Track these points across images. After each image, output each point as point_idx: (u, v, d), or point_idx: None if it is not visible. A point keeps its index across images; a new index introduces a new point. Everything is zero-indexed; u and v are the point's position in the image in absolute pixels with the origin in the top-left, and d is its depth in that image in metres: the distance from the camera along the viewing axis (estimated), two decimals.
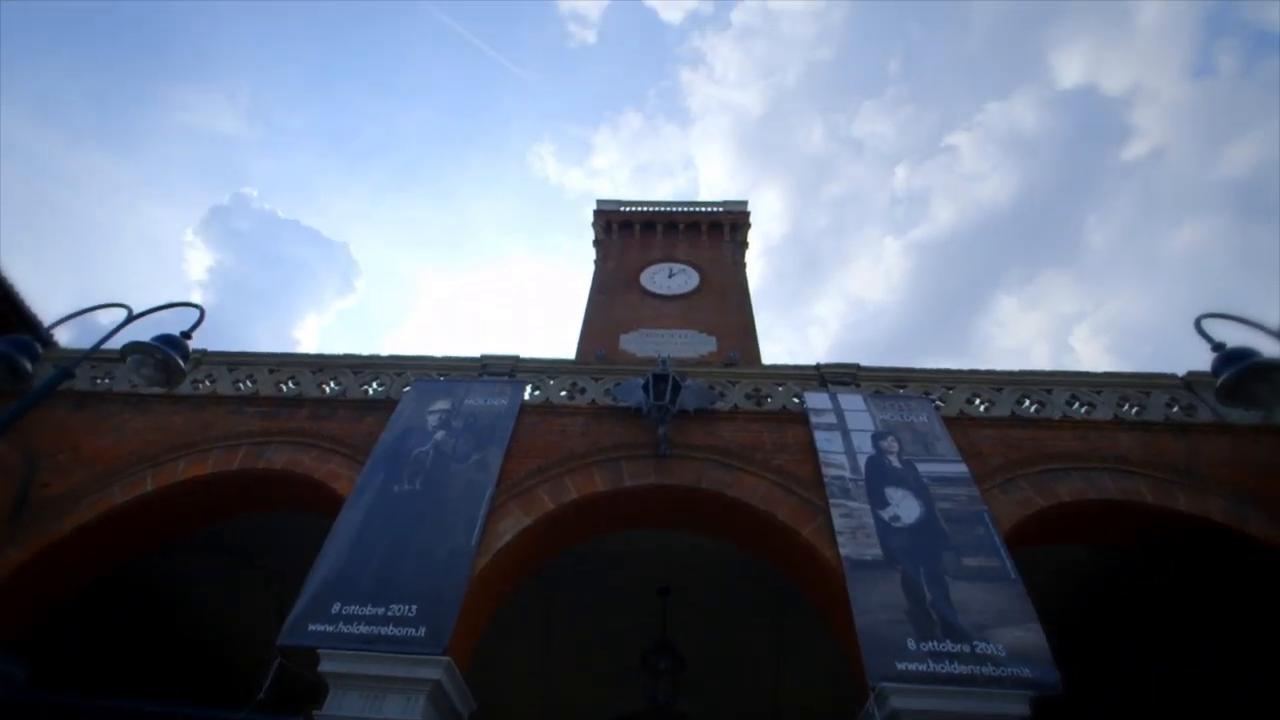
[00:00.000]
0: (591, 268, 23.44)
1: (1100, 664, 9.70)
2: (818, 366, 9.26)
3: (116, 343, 6.75)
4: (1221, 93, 64.95)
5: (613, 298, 20.86)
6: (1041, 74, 65.75)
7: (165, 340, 6.65)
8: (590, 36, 71.36)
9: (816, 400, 8.36)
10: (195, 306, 7.36)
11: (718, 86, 72.11)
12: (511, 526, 6.82)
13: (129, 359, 6.63)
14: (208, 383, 9.41)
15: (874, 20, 67.31)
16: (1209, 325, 7.04)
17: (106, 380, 9.44)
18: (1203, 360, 7.01)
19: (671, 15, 70.73)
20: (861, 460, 7.43)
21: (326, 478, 7.51)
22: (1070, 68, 67.98)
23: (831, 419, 8.05)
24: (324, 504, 7.56)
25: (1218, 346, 7.08)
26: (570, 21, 72.07)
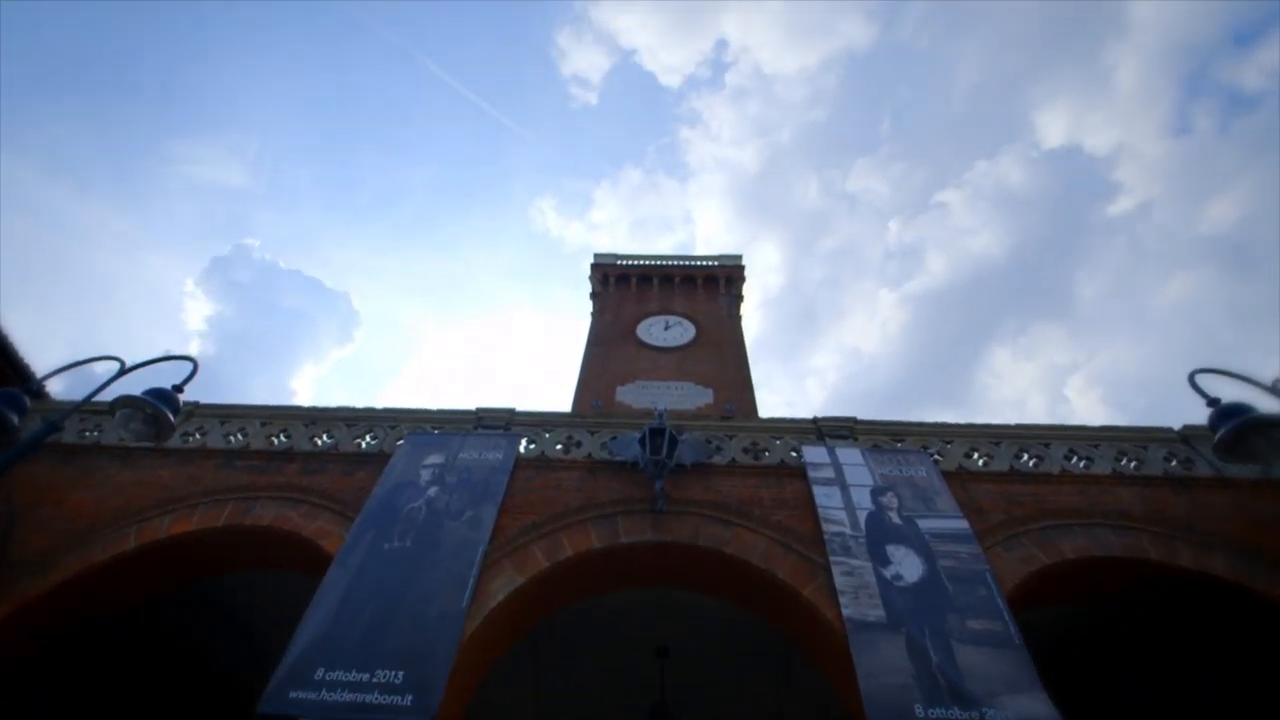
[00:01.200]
0: (589, 320, 23.62)
1: (1100, 696, 9.40)
2: (815, 420, 9.22)
3: (108, 395, 6.69)
4: (1200, 151, 67.50)
5: (609, 350, 20.95)
6: (1026, 133, 68.33)
7: (156, 394, 6.60)
8: (592, 98, 74.34)
9: (814, 454, 8.30)
10: (188, 359, 7.34)
11: (715, 144, 74.62)
12: (504, 586, 6.63)
13: (118, 414, 6.57)
14: (198, 436, 9.29)
15: (864, 83, 70.30)
16: (1203, 380, 7.10)
17: (95, 433, 9.32)
18: (1198, 413, 7.03)
19: (670, 79, 73.93)
20: (862, 516, 7.31)
21: (315, 535, 7.33)
22: (1053, 127, 70.74)
23: (830, 473, 7.97)
24: (311, 562, 7.36)
25: (1213, 402, 7.11)
26: (573, 84, 75.18)
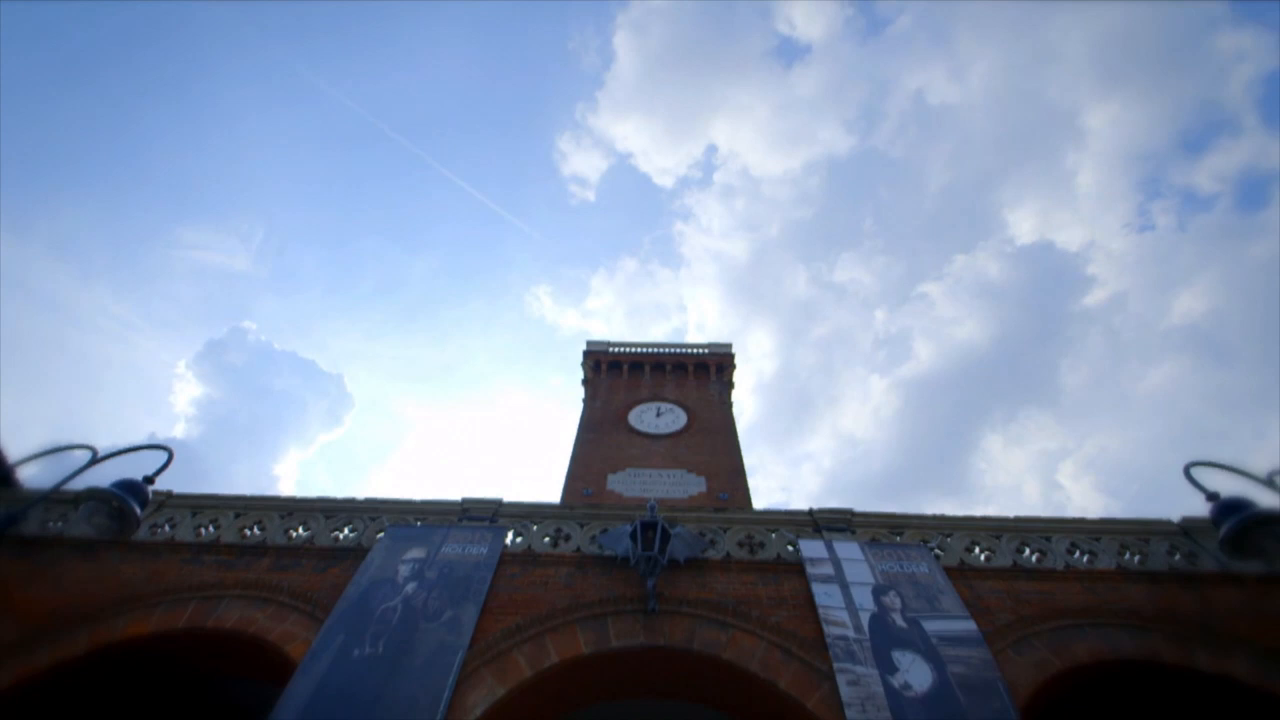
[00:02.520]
0: (580, 407, 23.50)
1: None
2: (811, 512, 8.97)
3: (80, 483, 6.41)
4: (1164, 247, 70.95)
5: (601, 436, 20.69)
6: (999, 230, 71.80)
7: (124, 486, 6.33)
8: (590, 195, 78.19)
9: (812, 549, 7.99)
10: (163, 449, 7.10)
11: (706, 236, 77.86)
12: (484, 699, 6.11)
13: (80, 507, 6.26)
14: (167, 528, 8.86)
15: (845, 184, 74.43)
16: (1198, 472, 7.04)
17: (60, 524, 8.86)
18: (1195, 502, 6.93)
19: (664, 180, 78.53)
20: (864, 618, 6.94)
21: (280, 639, 6.82)
22: (1024, 224, 74.54)
23: (829, 569, 7.64)
24: (276, 669, 6.81)
25: (1212, 496, 7.02)
26: (572, 183, 79.28)
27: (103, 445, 6.63)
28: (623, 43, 72.51)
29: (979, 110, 69.82)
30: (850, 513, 9.05)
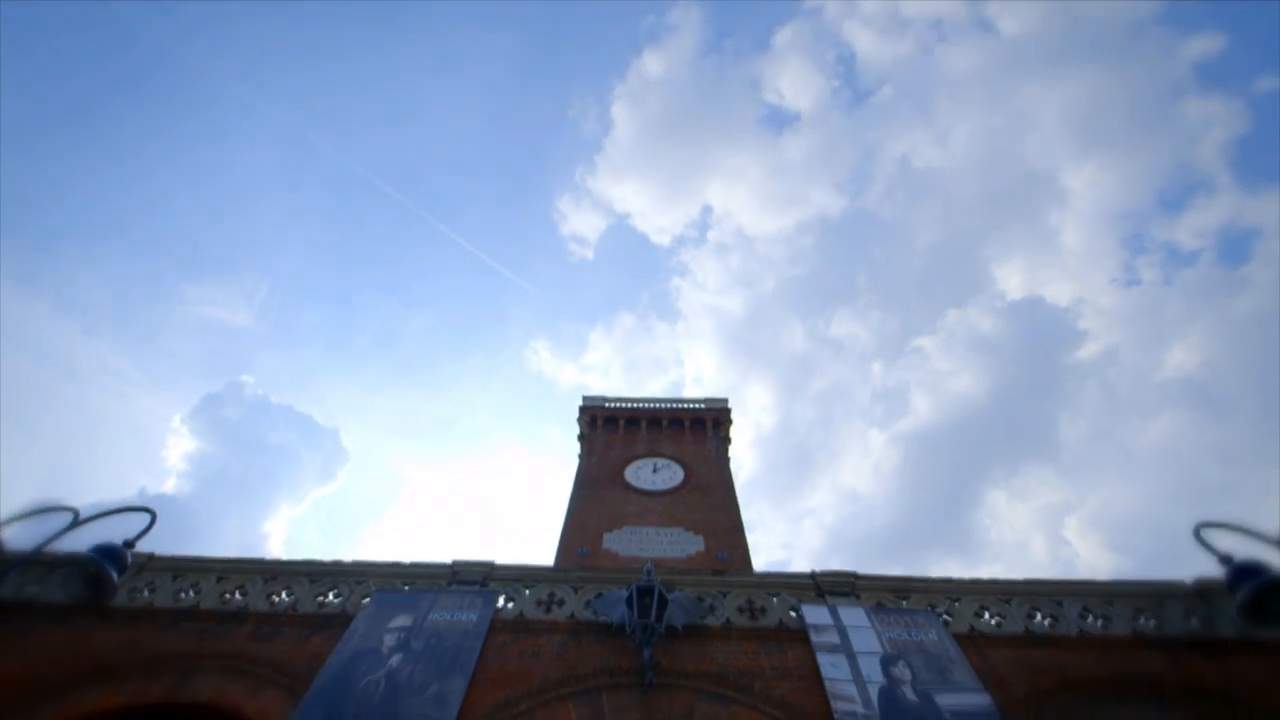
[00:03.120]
0: (577, 462, 23.18)
1: None
2: (813, 575, 8.68)
3: (64, 545, 6.18)
4: (1152, 301, 71.87)
5: (597, 493, 20.33)
6: (989, 286, 72.88)
7: (103, 551, 6.09)
8: (589, 254, 79.88)
9: (815, 615, 7.69)
10: (147, 511, 6.90)
11: (703, 292, 78.92)
12: None
13: (56, 572, 6.03)
14: (146, 592, 8.52)
15: (837, 243, 76.11)
16: (1205, 528, 6.86)
17: (37, 588, 8.52)
18: (1207, 561, 6.76)
19: (661, 239, 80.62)
20: (873, 691, 6.60)
21: (255, 716, 6.45)
22: (1013, 280, 75.78)
23: (834, 637, 7.32)
24: None
25: (1225, 559, 6.82)
26: (571, 242, 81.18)
27: (91, 501, 6.47)
28: (621, 112, 75.56)
29: (962, 173, 72.16)
30: (854, 575, 8.76)
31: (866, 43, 69.45)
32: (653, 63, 70.80)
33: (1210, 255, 67.31)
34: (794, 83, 71.43)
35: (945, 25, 68.18)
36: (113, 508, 7.13)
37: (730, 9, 75.07)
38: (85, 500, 6.59)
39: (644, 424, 23.99)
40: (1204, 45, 61.95)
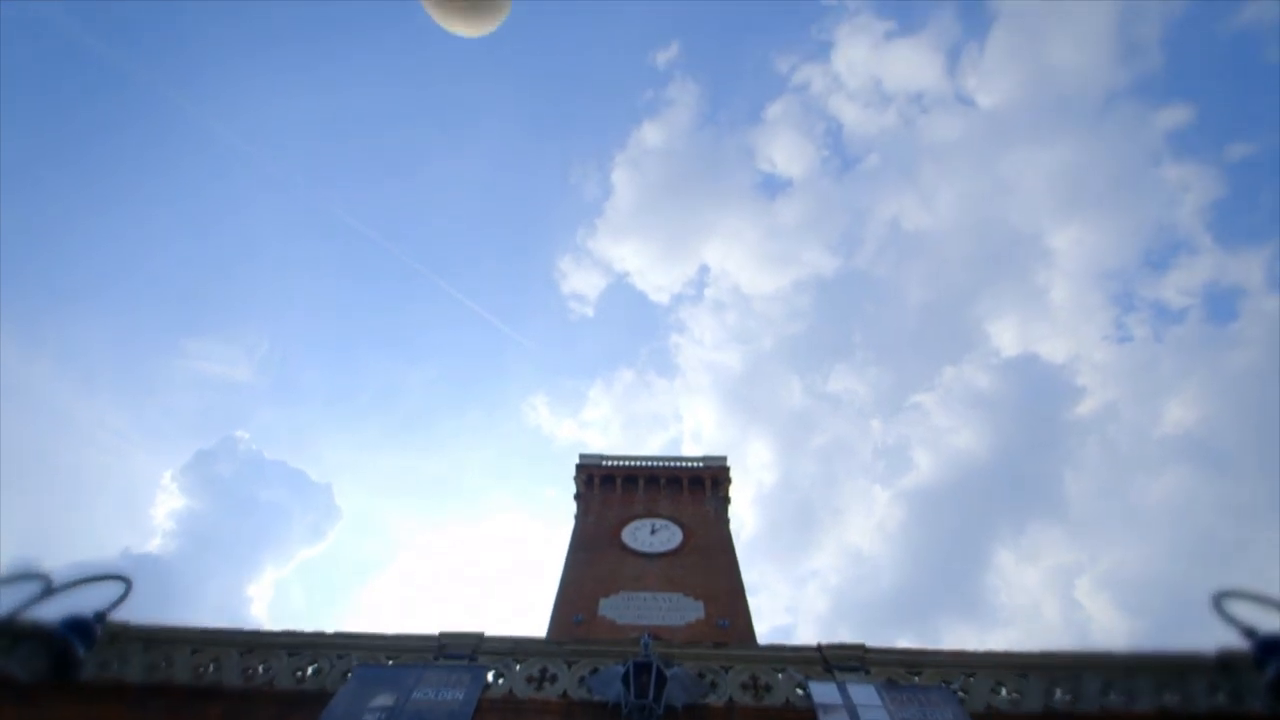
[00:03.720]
0: (573, 523, 22.65)
1: None
2: (820, 649, 8.25)
3: (38, 612, 5.88)
4: (1145, 357, 72.34)
5: (593, 556, 19.75)
6: (983, 343, 73.49)
7: (72, 625, 5.78)
8: (589, 311, 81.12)
9: (824, 693, 7.26)
10: (122, 579, 6.58)
11: (701, 348, 79.52)
12: None
13: (21, 645, 5.70)
14: (116, 665, 8.05)
15: (833, 301, 77.33)
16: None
17: (3, 660, 8.06)
18: (1227, 626, 6.47)
19: (659, 297, 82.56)
20: None
21: None
22: (1005, 336, 76.48)
23: (844, 718, 6.89)
24: None
25: (1248, 631, 6.52)
26: (571, 300, 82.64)
27: (74, 560, 6.19)
28: (621, 177, 78.11)
29: (950, 234, 73.97)
30: (863, 649, 8.34)
31: (852, 115, 72.70)
32: (652, 133, 73.86)
33: (1198, 313, 68.26)
34: (785, 152, 74.38)
35: (926, 98, 71.49)
36: (86, 576, 6.81)
37: (724, 85, 79.30)
38: (68, 559, 6.31)
39: (642, 483, 23.57)
40: (1174, 115, 65.40)
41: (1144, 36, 62.74)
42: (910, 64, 71.05)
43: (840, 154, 77.96)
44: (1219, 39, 62.17)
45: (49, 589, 6.38)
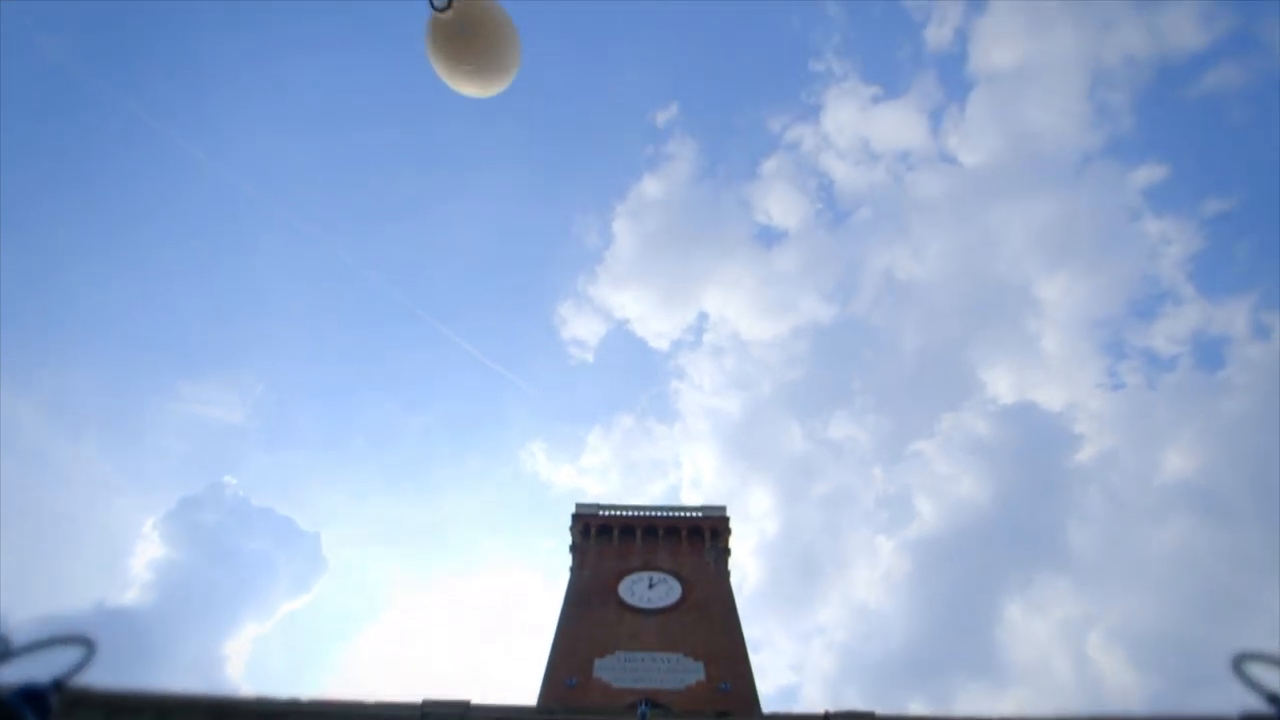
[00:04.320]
0: (568, 575, 21.94)
1: None
2: (828, 717, 7.75)
3: None
4: (1140, 405, 72.33)
5: (588, 612, 19.02)
6: (979, 390, 73.61)
7: (25, 694, 5.36)
8: (589, 357, 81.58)
9: None
10: (85, 642, 6.19)
11: (700, 394, 79.63)
12: None
13: None
14: None
15: (831, 348, 77.96)
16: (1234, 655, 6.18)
17: None
18: (1245, 685, 6.00)
19: (659, 344, 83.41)
20: None
21: None
22: (1001, 384, 76.67)
23: None
24: None
25: (1273, 698, 6.12)
26: (571, 346, 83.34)
27: (43, 614, 5.77)
28: (622, 227, 79.78)
29: (940, 284, 75.26)
30: (871, 716, 7.83)
31: (842, 172, 75.18)
32: (652, 185, 76.09)
33: (1188, 360, 68.63)
34: (780, 204, 76.63)
35: (912, 156, 74.12)
36: (46, 639, 6.41)
37: (721, 142, 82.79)
38: (40, 611, 5.89)
39: (639, 533, 22.96)
40: (1149, 173, 68.38)
41: (1114, 102, 66.14)
42: (895, 125, 74.38)
43: (832, 207, 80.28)
44: (1186, 104, 65.54)
45: (6, 652, 5.98)
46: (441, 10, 2.35)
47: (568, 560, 23.02)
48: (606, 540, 22.80)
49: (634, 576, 20.53)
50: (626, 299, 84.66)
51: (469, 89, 3.21)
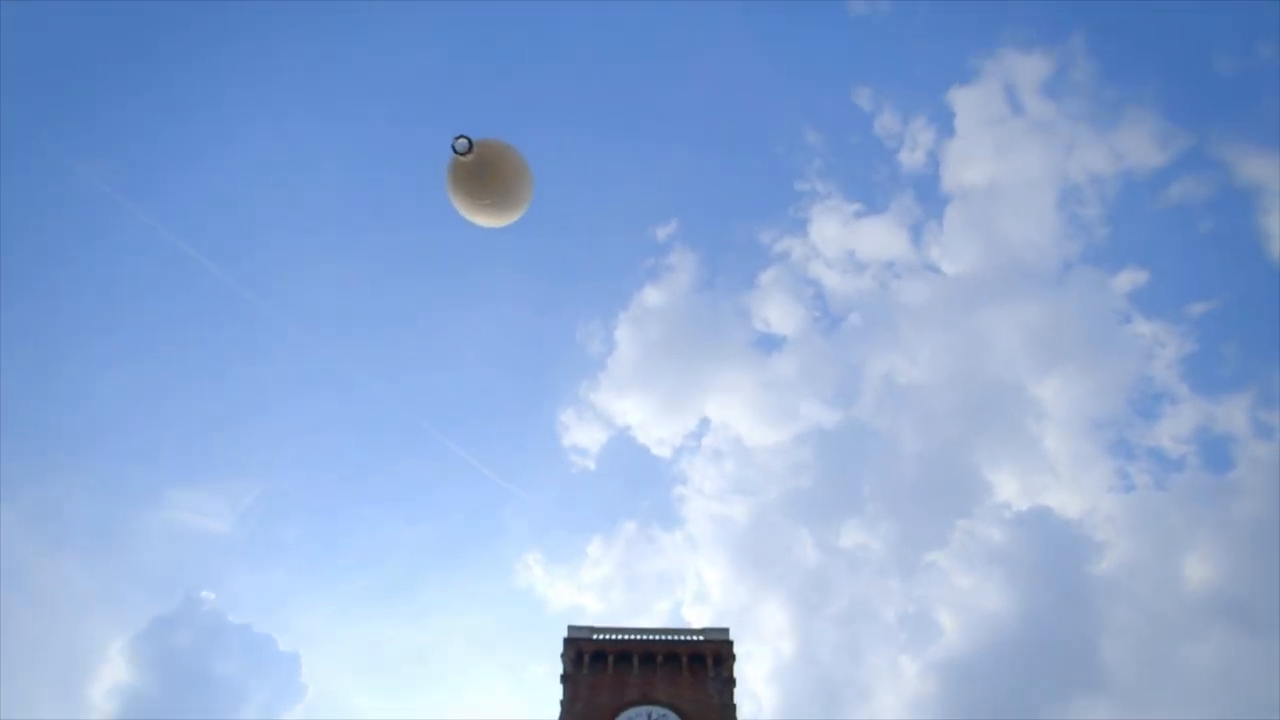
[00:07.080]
0: (559, 710, 20.16)
1: None
2: None
3: None
4: (1153, 508, 70.47)
5: None
6: (987, 494, 72.04)
7: None
8: (590, 464, 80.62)
9: None
10: None
11: (705, 501, 77.92)
12: None
13: None
14: None
15: (836, 454, 77.14)
16: None
17: None
18: None
19: (661, 450, 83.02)
20: None
21: None
22: (1009, 488, 75.08)
23: None
24: None
25: None
26: (572, 453, 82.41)
27: None
28: (624, 335, 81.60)
29: (937, 387, 75.89)
30: None
31: (832, 280, 78.41)
32: (653, 295, 78.97)
33: (1195, 460, 68.02)
34: (779, 311, 79.11)
35: (896, 265, 77.70)
36: None
37: (720, 253, 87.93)
38: None
39: (636, 661, 21.39)
40: (1131, 278, 70.50)
41: (1085, 215, 70.01)
42: (878, 238, 78.52)
43: (827, 314, 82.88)
44: (1155, 215, 69.47)
45: None
46: (463, 155, 2.44)
47: (558, 691, 21.26)
48: (600, 669, 21.17)
49: (631, 712, 18.93)
50: (628, 405, 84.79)
51: (486, 221, 3.30)
